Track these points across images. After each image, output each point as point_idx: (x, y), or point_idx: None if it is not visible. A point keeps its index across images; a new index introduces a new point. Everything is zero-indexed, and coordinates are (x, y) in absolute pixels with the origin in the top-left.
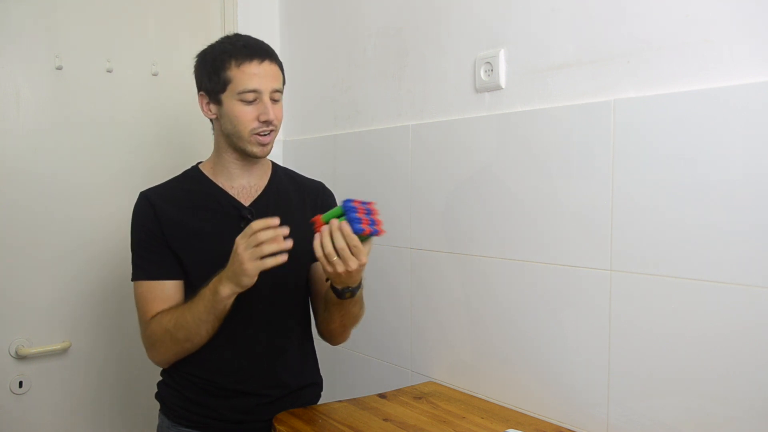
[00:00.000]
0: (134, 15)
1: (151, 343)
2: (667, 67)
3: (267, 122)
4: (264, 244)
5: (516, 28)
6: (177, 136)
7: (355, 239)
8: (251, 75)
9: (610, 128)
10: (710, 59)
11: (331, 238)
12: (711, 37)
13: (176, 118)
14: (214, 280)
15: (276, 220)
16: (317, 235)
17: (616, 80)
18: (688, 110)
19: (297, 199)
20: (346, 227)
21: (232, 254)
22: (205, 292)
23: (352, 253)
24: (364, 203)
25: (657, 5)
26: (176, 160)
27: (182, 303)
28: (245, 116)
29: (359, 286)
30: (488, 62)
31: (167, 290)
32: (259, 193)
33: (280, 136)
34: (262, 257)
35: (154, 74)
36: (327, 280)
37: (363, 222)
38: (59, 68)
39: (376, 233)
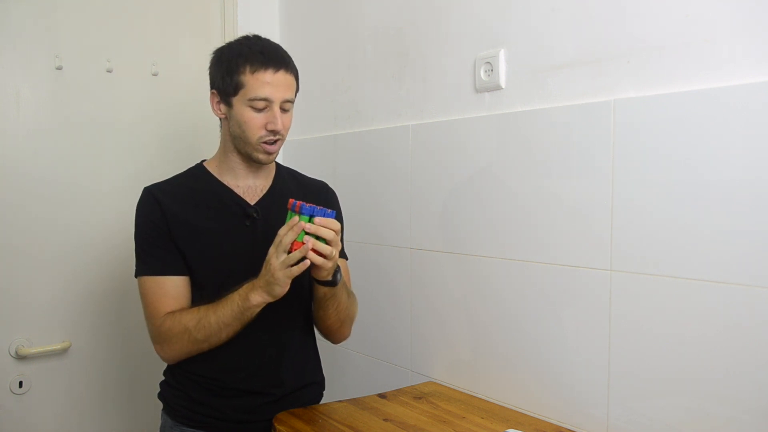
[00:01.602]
0: (134, 15)
1: (164, 339)
2: (667, 67)
3: (274, 132)
4: (291, 252)
5: (516, 28)
6: (177, 136)
7: (336, 223)
8: (264, 83)
9: (610, 128)
10: (710, 59)
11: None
12: (711, 37)
13: (176, 118)
14: (246, 286)
15: (295, 219)
16: (299, 251)
17: (616, 80)
18: (688, 110)
19: (300, 199)
20: (326, 219)
21: (265, 263)
22: (234, 297)
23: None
24: (296, 202)
25: (657, 5)
26: (176, 160)
27: (189, 300)
28: (253, 123)
29: (339, 270)
30: (488, 62)
31: (176, 286)
32: (264, 192)
33: None
34: (291, 265)
35: (154, 74)
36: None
37: (325, 210)
38: (59, 68)
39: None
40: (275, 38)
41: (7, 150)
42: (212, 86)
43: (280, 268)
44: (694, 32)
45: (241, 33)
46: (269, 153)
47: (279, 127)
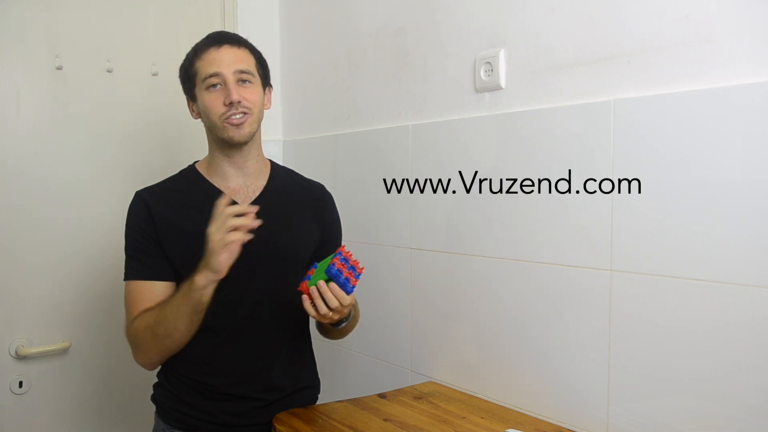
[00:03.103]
0: (134, 15)
1: (134, 342)
2: (667, 67)
3: (232, 104)
4: (230, 219)
5: (516, 28)
6: (177, 136)
7: (347, 298)
8: (210, 61)
9: (610, 128)
10: (710, 59)
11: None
12: (711, 37)
13: (176, 118)
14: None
15: (248, 208)
16: (305, 297)
17: (616, 80)
18: (688, 110)
19: (297, 200)
20: (339, 290)
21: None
22: (183, 285)
23: (343, 306)
24: (341, 257)
25: (657, 5)
26: (176, 161)
27: None
28: (212, 103)
29: (350, 312)
30: (488, 62)
31: (156, 291)
32: (257, 194)
33: (279, 136)
34: (228, 232)
35: (154, 74)
36: None
37: (350, 280)
38: (59, 68)
39: (359, 277)
40: (275, 38)
41: (7, 150)
42: (184, 92)
43: (215, 233)
44: (694, 32)
45: (241, 33)
46: (237, 126)
47: (234, 97)
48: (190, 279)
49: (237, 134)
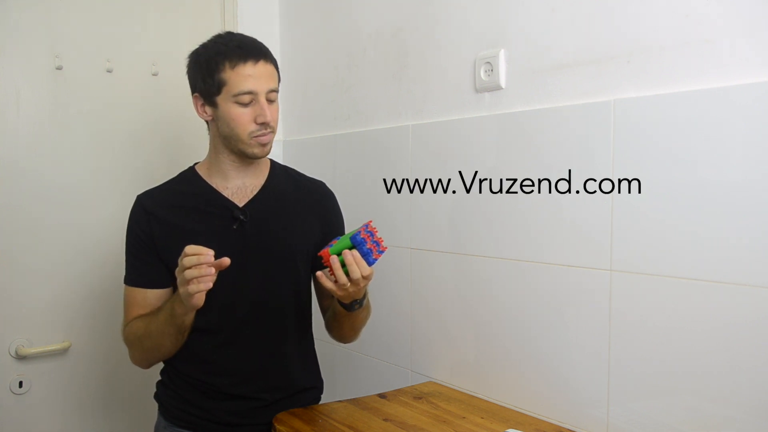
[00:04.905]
0: (134, 15)
1: (127, 345)
2: (667, 67)
3: (264, 124)
4: (187, 269)
5: (516, 28)
6: (177, 136)
7: (369, 269)
8: (246, 77)
9: (610, 128)
10: (711, 59)
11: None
12: (711, 37)
13: (176, 118)
14: (176, 293)
15: (206, 250)
16: (323, 271)
17: (616, 80)
18: (689, 110)
19: (295, 198)
20: (362, 261)
21: None
22: (167, 305)
23: (363, 277)
24: (367, 229)
25: (657, 5)
26: (176, 161)
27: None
28: (242, 118)
29: (365, 295)
30: (488, 62)
31: (148, 298)
32: (255, 193)
33: (279, 136)
34: (188, 284)
35: (154, 74)
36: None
37: (373, 252)
38: (59, 68)
39: (381, 253)
40: (275, 38)
41: (7, 150)
42: (193, 90)
43: (180, 285)
44: (694, 32)
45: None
46: (263, 145)
47: (269, 118)
48: (170, 302)
49: (261, 152)
